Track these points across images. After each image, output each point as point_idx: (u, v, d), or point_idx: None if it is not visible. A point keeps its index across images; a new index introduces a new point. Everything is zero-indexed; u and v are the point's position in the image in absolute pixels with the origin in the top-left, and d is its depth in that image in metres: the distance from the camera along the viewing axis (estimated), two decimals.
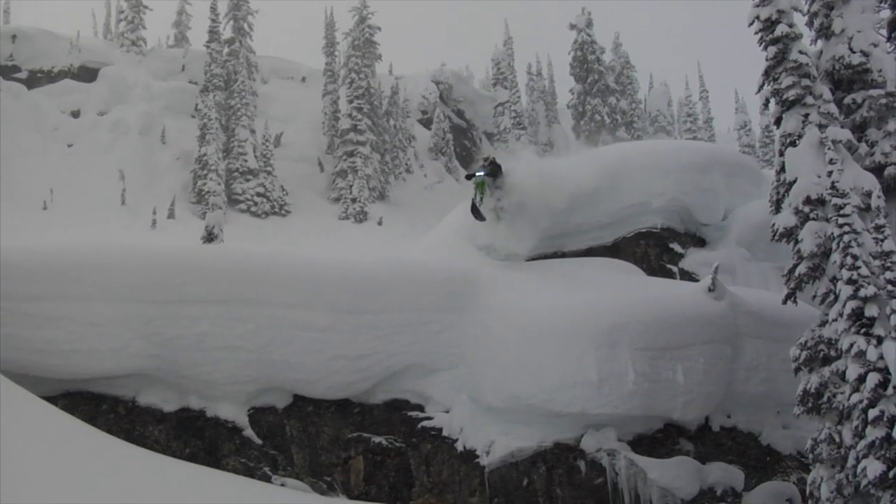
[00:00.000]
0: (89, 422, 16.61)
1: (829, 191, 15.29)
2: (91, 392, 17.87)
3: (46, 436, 14.46)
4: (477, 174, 22.09)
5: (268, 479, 17.67)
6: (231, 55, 63.10)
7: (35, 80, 64.35)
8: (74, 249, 19.08)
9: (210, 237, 28.36)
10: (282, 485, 17.62)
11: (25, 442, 13.73)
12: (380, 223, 53.63)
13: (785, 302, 16.72)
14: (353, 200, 56.25)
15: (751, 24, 17.45)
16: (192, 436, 17.97)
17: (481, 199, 21.79)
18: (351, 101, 61.43)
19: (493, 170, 21.76)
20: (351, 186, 57.07)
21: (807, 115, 16.81)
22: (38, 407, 15.59)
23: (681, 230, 25.11)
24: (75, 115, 61.89)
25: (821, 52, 18.32)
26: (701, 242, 25.31)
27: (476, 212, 21.76)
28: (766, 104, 17.81)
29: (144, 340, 17.72)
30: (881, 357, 14.11)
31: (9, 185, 49.79)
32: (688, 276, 23.93)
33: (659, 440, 18.55)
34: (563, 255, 23.76)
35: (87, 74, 65.38)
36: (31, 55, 65.66)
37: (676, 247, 24.82)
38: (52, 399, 16.89)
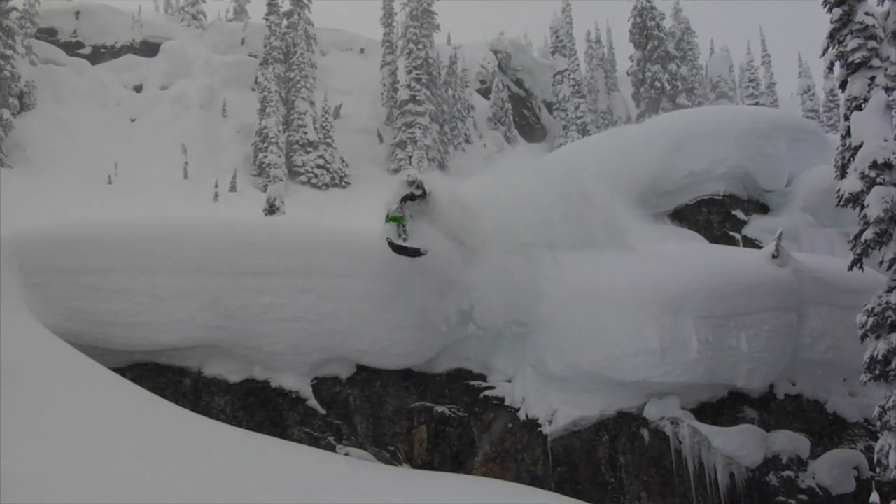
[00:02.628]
0: (157, 393, 16.87)
1: None
2: (158, 363, 18.14)
3: (116, 407, 14.73)
4: (393, 209, 18.08)
5: (332, 449, 17.84)
6: (290, 28, 63.30)
7: (98, 55, 65.34)
8: (139, 223, 19.35)
9: (272, 209, 28.60)
10: (346, 454, 17.76)
11: (96, 413, 13.99)
12: None
13: (851, 268, 16.48)
14: None
15: None
16: (257, 406, 18.17)
17: (405, 232, 17.90)
18: (409, 72, 61.43)
19: (417, 194, 18.17)
20: (410, 157, 57.15)
21: (873, 78, 16.49)
22: (107, 378, 15.88)
23: (744, 197, 24.86)
24: (138, 89, 62.69)
25: (888, 12, 17.91)
26: (764, 209, 25.05)
27: (400, 248, 17.76)
28: (830, 67, 17.51)
29: (209, 312, 17.91)
30: None
31: (74, 160, 50.61)
32: (751, 243, 23.70)
33: (723, 408, 18.43)
34: None
35: (148, 49, 66.21)
36: (94, 31, 66.61)
37: (739, 214, 24.59)
38: (120, 370, 17.19)
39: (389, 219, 17.94)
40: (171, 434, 14.38)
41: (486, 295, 18.05)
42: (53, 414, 13.16)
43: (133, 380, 16.99)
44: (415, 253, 17.54)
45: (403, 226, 17.90)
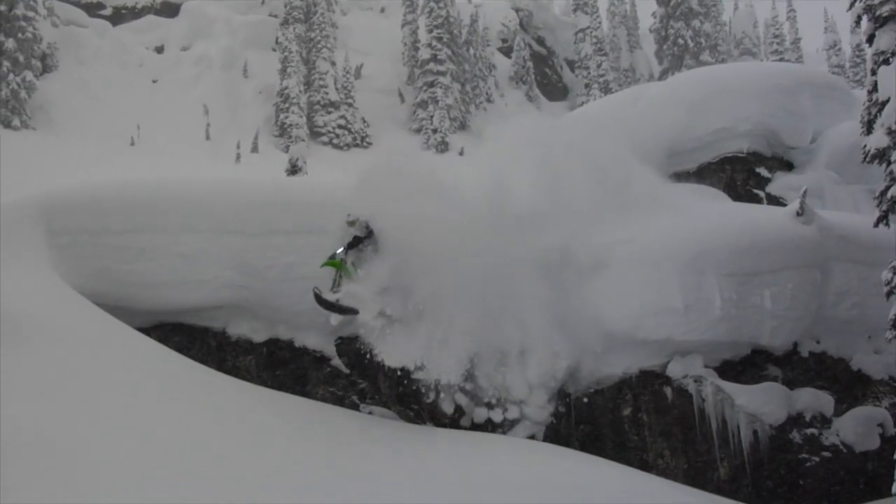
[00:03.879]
0: (181, 352, 16.98)
1: None
2: (183, 323, 18.25)
3: (141, 366, 14.85)
4: (336, 252, 16.59)
5: (356, 408, 17.94)
6: None
7: (119, 16, 65.35)
8: (164, 183, 19.41)
9: (294, 169, 28.66)
10: (370, 413, 17.86)
11: (123, 373, 14.11)
12: (461, 153, 53.58)
13: (877, 225, 16.38)
14: (434, 131, 56.30)
15: None
16: (282, 366, 18.27)
17: (339, 283, 16.47)
18: (430, 31, 61.21)
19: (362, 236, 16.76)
20: (432, 117, 57.09)
21: None
22: (133, 338, 16.00)
23: (768, 154, 24.68)
24: (159, 50, 62.74)
25: None
26: (788, 166, 24.87)
27: (330, 305, 16.33)
28: (857, 22, 17.28)
29: (233, 272, 17.99)
30: None
31: (97, 122, 50.77)
32: (775, 200, 23.55)
33: (746, 366, 18.39)
34: None
35: (169, 10, 66.16)
36: None
37: (763, 171, 24.41)
38: (145, 330, 17.29)
39: (326, 263, 16.40)
40: (195, 393, 14.50)
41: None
42: (78, 372, 13.28)
43: (158, 339, 17.11)
44: (344, 311, 16.18)
45: (340, 276, 16.40)
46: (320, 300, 16.20)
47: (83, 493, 10.11)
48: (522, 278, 17.72)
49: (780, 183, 24.13)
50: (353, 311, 16.23)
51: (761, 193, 24.19)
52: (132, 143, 49.83)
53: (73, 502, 9.76)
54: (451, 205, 17.26)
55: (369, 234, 16.61)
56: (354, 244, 16.49)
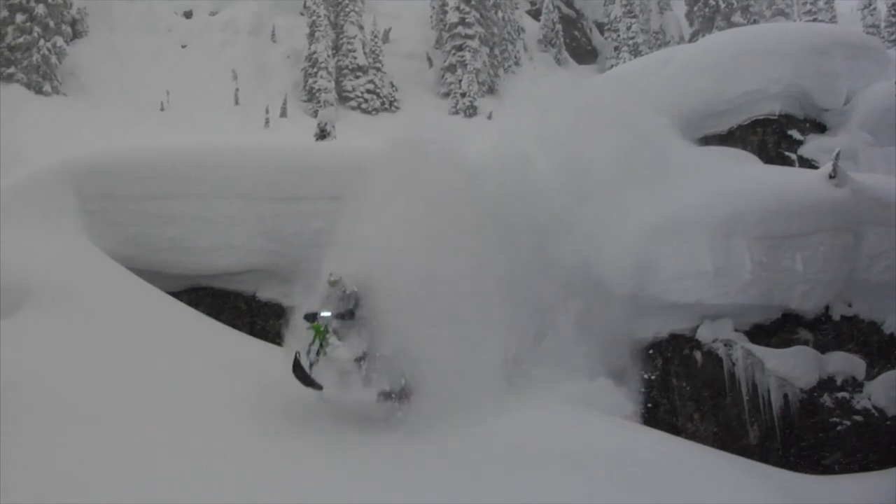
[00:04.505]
0: (212, 316, 17.13)
1: None
2: (213, 288, 18.40)
3: (172, 328, 14.98)
4: (322, 315, 12.89)
5: None
6: None
7: None
8: (194, 149, 19.50)
9: (322, 134, 28.65)
10: None
11: (155, 337, 14.24)
12: (489, 117, 53.40)
13: None
14: (463, 95, 56.12)
15: None
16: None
17: (319, 351, 12.80)
18: None
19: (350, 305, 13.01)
20: (460, 81, 56.89)
21: None
22: (164, 302, 16.15)
23: (800, 116, 24.40)
24: (187, 15, 62.72)
25: None
26: (821, 128, 24.59)
27: (304, 375, 12.69)
28: None
29: (262, 237, 18.09)
30: None
31: (127, 88, 50.94)
32: (807, 163, 23.31)
33: (777, 330, 18.31)
34: None
35: None
36: None
37: (795, 133, 24.15)
38: (176, 295, 17.46)
39: (312, 325, 12.95)
40: (227, 354, 14.63)
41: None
42: (111, 336, 13.41)
43: (189, 304, 17.27)
44: (309, 384, 12.75)
45: (321, 345, 12.86)
46: (297, 367, 12.70)
47: (117, 453, 10.22)
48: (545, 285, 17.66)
49: (813, 145, 23.88)
50: (318, 387, 12.89)
51: (793, 156, 23.95)
52: (161, 109, 49.98)
53: (106, 463, 9.88)
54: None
55: (356, 304, 13.01)
56: (346, 316, 12.92)
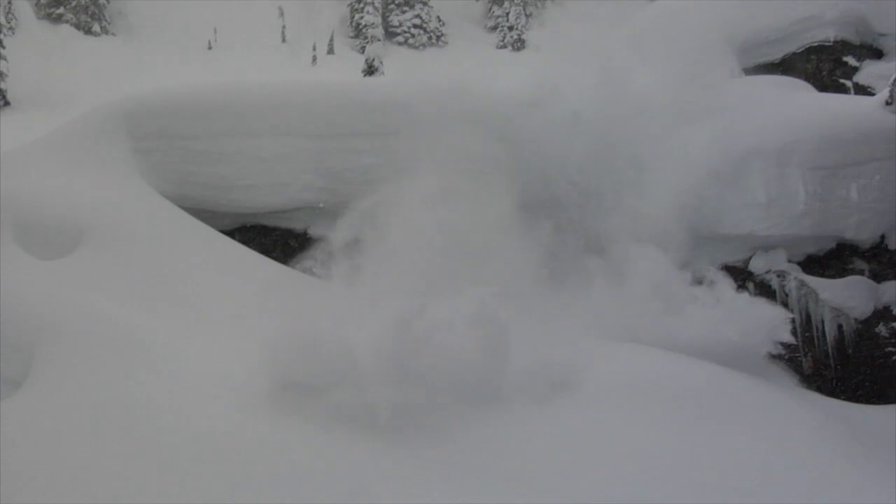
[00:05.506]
0: (264, 254, 17.29)
1: None
2: (265, 225, 18.51)
3: (226, 267, 15.17)
4: None
5: None
6: None
7: None
8: (242, 87, 19.52)
9: (370, 70, 28.57)
10: None
11: (208, 273, 14.43)
12: (537, 50, 52.79)
13: None
14: (510, 28, 55.49)
15: None
16: None
17: None
18: None
19: None
20: (507, 14, 56.20)
21: None
22: (216, 240, 16.33)
23: (856, 42, 23.89)
24: None
25: None
26: (878, 54, 24.07)
27: None
28: None
29: (313, 174, 18.12)
30: None
31: (175, 27, 50.97)
32: (863, 90, 22.90)
33: (831, 260, 18.15)
34: None
35: None
36: None
37: (851, 60, 23.68)
38: (228, 233, 17.63)
39: None
40: (278, 290, 14.79)
41: None
42: (165, 273, 13.61)
43: (241, 241, 17.42)
44: None
45: None
46: None
47: (168, 386, 10.44)
48: None
49: (869, 71, 23.41)
50: None
51: (848, 83, 23.53)
52: (209, 48, 49.97)
53: (161, 395, 10.09)
54: None
55: None
56: None
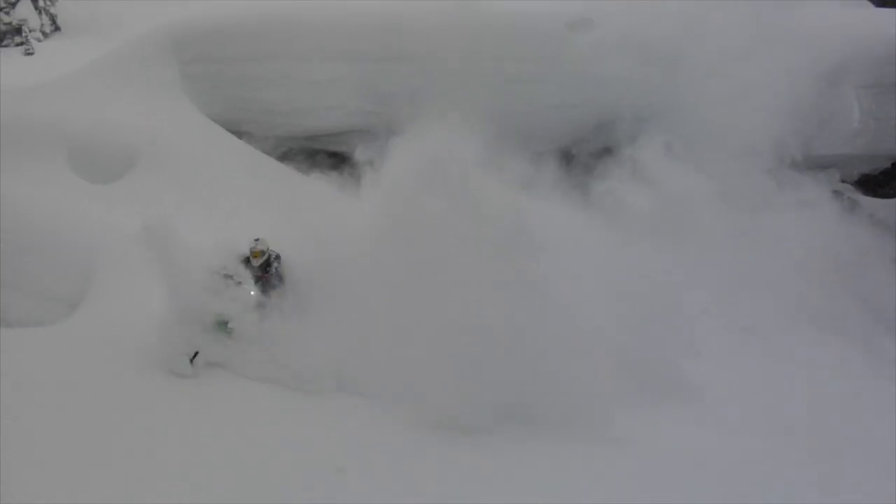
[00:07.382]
0: None
1: None
2: (313, 149, 18.51)
3: (277, 190, 15.26)
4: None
5: None
6: None
7: None
8: (291, 9, 19.38)
9: None
10: None
11: (259, 196, 14.56)
12: None
13: None
14: None
15: None
16: None
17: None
18: None
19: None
20: None
21: None
22: (263, 162, 16.44)
23: None
24: None
25: None
26: None
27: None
28: None
29: (360, 98, 18.08)
30: None
31: None
32: None
33: (886, 180, 17.91)
34: None
35: None
36: None
37: None
38: (275, 155, 17.69)
39: (215, 322, 10.74)
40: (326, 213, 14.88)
41: None
42: (214, 194, 13.77)
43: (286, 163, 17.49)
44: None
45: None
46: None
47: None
48: None
49: None
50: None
51: None
52: None
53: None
54: None
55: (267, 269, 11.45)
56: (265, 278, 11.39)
